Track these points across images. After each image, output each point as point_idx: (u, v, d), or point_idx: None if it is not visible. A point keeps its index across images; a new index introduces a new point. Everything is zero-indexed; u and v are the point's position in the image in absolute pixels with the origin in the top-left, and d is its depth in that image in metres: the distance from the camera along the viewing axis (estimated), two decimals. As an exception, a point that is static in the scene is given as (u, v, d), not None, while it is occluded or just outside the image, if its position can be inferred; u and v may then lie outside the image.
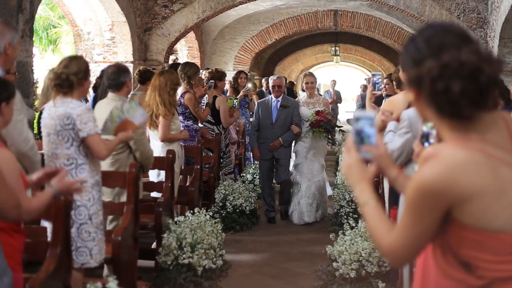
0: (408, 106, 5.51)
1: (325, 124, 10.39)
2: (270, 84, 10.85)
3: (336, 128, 11.42)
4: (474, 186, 2.18)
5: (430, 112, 2.33)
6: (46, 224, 5.23)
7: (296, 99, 11.60)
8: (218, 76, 11.33)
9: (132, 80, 7.03)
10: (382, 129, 6.09)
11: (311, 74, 11.27)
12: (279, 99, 10.71)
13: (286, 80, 22.46)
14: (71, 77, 5.38)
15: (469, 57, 2.20)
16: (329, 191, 11.65)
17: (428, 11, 15.52)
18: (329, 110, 10.93)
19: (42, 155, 5.61)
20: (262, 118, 10.71)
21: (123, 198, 6.51)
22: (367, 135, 2.57)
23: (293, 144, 11.00)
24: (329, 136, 10.87)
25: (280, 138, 10.55)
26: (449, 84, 2.19)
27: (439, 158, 2.23)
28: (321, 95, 11.80)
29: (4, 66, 5.27)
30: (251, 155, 12.78)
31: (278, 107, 10.64)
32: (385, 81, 10.40)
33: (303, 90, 11.22)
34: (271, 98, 10.82)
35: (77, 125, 5.28)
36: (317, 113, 10.44)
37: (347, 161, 2.61)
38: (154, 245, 7.51)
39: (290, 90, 22.11)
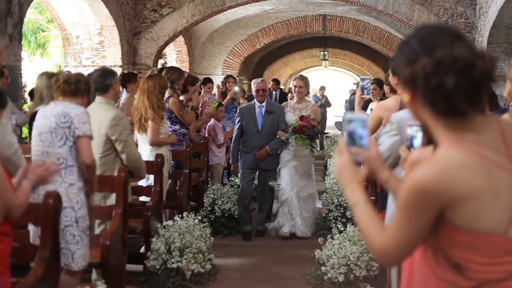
0: (400, 109, 5.52)
1: (308, 130, 9.53)
2: (253, 88, 10.09)
3: (321, 134, 10.67)
4: (469, 188, 2.19)
5: (425, 111, 2.33)
6: (30, 228, 5.24)
7: (283, 104, 10.55)
8: (190, 81, 11.12)
9: (118, 82, 7.02)
10: (374, 131, 6.15)
11: (301, 78, 10.34)
12: (263, 104, 9.90)
13: (279, 83, 22.55)
14: (81, 82, 5.53)
15: (462, 52, 2.22)
16: (317, 204, 10.54)
17: (416, 16, 15.59)
18: (318, 118, 10.01)
19: (29, 159, 5.60)
20: (247, 126, 9.87)
21: (110, 201, 6.52)
22: (359, 136, 2.58)
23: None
24: (312, 144, 9.90)
25: (267, 146, 9.77)
26: (443, 80, 2.20)
27: (434, 159, 2.24)
28: (310, 101, 10.63)
29: None
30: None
31: (263, 113, 9.86)
32: (371, 86, 10.44)
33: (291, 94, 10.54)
34: (255, 103, 9.99)
35: (75, 123, 5.30)
36: (301, 118, 9.61)
37: (339, 162, 2.61)
38: (142, 249, 7.51)
39: (284, 94, 21.71)
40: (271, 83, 19.94)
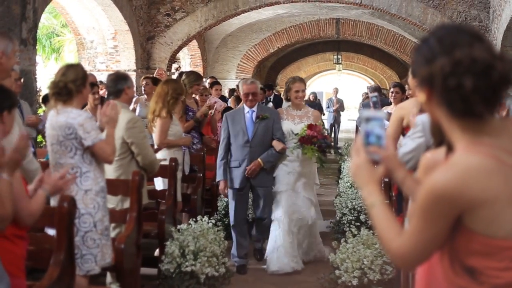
0: (421, 111, 5.49)
1: (319, 142, 7.95)
2: (242, 91, 8.27)
3: (332, 149, 9.01)
4: (486, 193, 2.17)
5: (441, 112, 2.31)
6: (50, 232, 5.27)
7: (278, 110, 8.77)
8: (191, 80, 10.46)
9: (132, 86, 7.04)
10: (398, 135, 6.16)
11: (301, 80, 8.56)
12: (254, 108, 8.13)
13: (272, 88, 19.32)
14: (69, 85, 5.35)
15: (481, 53, 2.19)
16: (321, 227, 9.27)
17: (429, 20, 15.57)
18: (323, 126, 8.39)
19: (44, 163, 5.63)
20: (234, 135, 8.10)
21: (126, 204, 6.55)
22: (377, 135, 2.53)
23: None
24: (322, 158, 8.21)
25: (259, 159, 7.99)
26: (461, 81, 2.17)
27: (451, 163, 2.22)
28: (308, 107, 8.83)
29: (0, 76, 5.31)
30: None
31: (254, 119, 8.11)
32: (394, 89, 10.42)
33: (288, 100, 8.57)
34: (243, 108, 8.24)
35: (80, 135, 5.27)
36: (310, 126, 7.99)
37: (355, 161, 2.56)
38: (156, 253, 7.53)
39: (278, 98, 19.98)
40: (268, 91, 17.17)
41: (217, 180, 8.26)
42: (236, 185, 8.09)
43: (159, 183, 8.05)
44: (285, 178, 8.15)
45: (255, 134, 8.05)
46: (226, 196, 8.34)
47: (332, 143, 8.75)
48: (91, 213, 5.29)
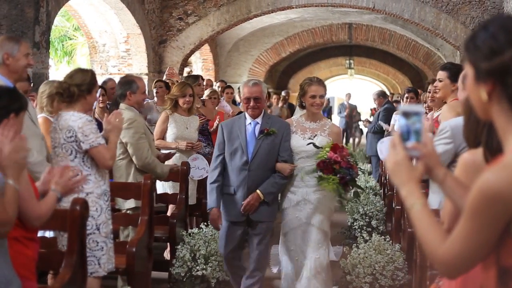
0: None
1: (343, 171, 5.98)
2: (243, 95, 6.39)
3: (355, 185, 6.37)
4: None
5: (500, 109, 2.14)
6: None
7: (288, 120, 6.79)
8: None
9: (142, 91, 7.08)
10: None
11: (320, 82, 6.47)
12: (258, 120, 6.31)
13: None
14: (72, 88, 5.40)
15: None
16: (332, 255, 7.57)
17: (443, 25, 15.52)
18: (352, 152, 6.69)
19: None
20: (230, 153, 6.30)
21: (128, 205, 6.77)
22: (415, 131, 2.39)
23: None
24: (343, 192, 6.18)
25: (259, 191, 6.18)
26: None
27: (505, 164, 2.07)
28: (327, 119, 6.94)
29: (11, 78, 5.40)
30: None
31: (257, 133, 6.29)
32: (409, 95, 10.41)
33: (302, 107, 6.52)
34: (245, 118, 6.37)
35: (79, 138, 5.31)
36: (334, 148, 6.05)
37: (394, 158, 2.40)
38: (165, 254, 7.56)
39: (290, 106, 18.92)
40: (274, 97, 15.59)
41: (208, 208, 6.41)
42: (230, 217, 6.34)
43: (159, 186, 8.05)
44: (294, 211, 6.35)
45: (256, 154, 6.22)
46: (219, 229, 6.44)
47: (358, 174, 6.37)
48: (94, 216, 5.31)
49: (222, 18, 16.51)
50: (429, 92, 8.12)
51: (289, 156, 6.29)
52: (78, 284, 4.62)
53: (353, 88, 41.01)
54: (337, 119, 27.29)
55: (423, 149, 2.42)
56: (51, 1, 10.87)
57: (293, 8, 16.61)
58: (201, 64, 21.84)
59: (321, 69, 34.59)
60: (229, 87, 13.77)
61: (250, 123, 6.31)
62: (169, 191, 7.93)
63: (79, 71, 5.64)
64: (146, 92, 7.52)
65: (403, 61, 27.75)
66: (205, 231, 7.24)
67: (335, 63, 32.79)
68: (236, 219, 6.29)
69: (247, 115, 6.34)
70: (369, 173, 14.22)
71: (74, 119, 5.36)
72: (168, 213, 7.81)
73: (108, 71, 15.73)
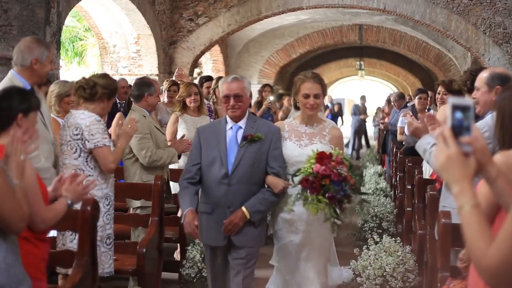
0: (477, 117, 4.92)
1: (333, 188, 4.68)
2: (222, 93, 5.21)
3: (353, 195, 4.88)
4: None
5: None
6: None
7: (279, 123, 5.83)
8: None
9: (158, 94, 7.12)
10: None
11: (316, 77, 5.32)
12: (241, 123, 5.19)
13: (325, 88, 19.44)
14: (97, 86, 5.51)
15: None
16: (341, 277, 6.08)
17: (453, 26, 15.47)
18: (344, 153, 5.16)
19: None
20: (208, 163, 5.15)
21: (134, 204, 6.78)
22: (465, 125, 2.22)
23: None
24: (337, 213, 4.77)
25: (244, 207, 5.05)
26: None
27: None
28: (327, 121, 5.69)
29: (31, 80, 5.40)
30: None
31: (239, 139, 5.16)
32: (421, 95, 10.41)
33: (297, 107, 5.43)
34: (225, 122, 5.25)
35: (85, 136, 5.35)
36: (320, 157, 4.77)
37: (446, 152, 2.22)
38: (176, 255, 7.56)
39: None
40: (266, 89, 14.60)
41: (180, 212, 5.63)
42: (208, 240, 5.23)
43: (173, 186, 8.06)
44: (289, 234, 5.34)
45: (238, 165, 5.08)
46: (197, 236, 5.17)
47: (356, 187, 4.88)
48: None
49: (233, 19, 16.50)
50: (439, 94, 8.14)
51: (281, 168, 5.16)
52: (89, 285, 4.63)
53: (364, 89, 41.00)
54: (349, 120, 27.23)
55: (476, 144, 2.26)
56: (62, 2, 10.89)
57: (303, 9, 16.59)
58: (211, 65, 21.83)
59: (331, 70, 34.57)
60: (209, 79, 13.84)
61: (231, 128, 5.19)
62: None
63: (107, 76, 5.83)
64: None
65: (413, 62, 27.68)
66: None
67: (345, 64, 32.76)
68: (215, 243, 5.17)
69: (228, 119, 5.22)
70: (379, 175, 14.14)
71: (83, 117, 5.39)
72: (179, 214, 7.80)
73: (118, 72, 15.74)
